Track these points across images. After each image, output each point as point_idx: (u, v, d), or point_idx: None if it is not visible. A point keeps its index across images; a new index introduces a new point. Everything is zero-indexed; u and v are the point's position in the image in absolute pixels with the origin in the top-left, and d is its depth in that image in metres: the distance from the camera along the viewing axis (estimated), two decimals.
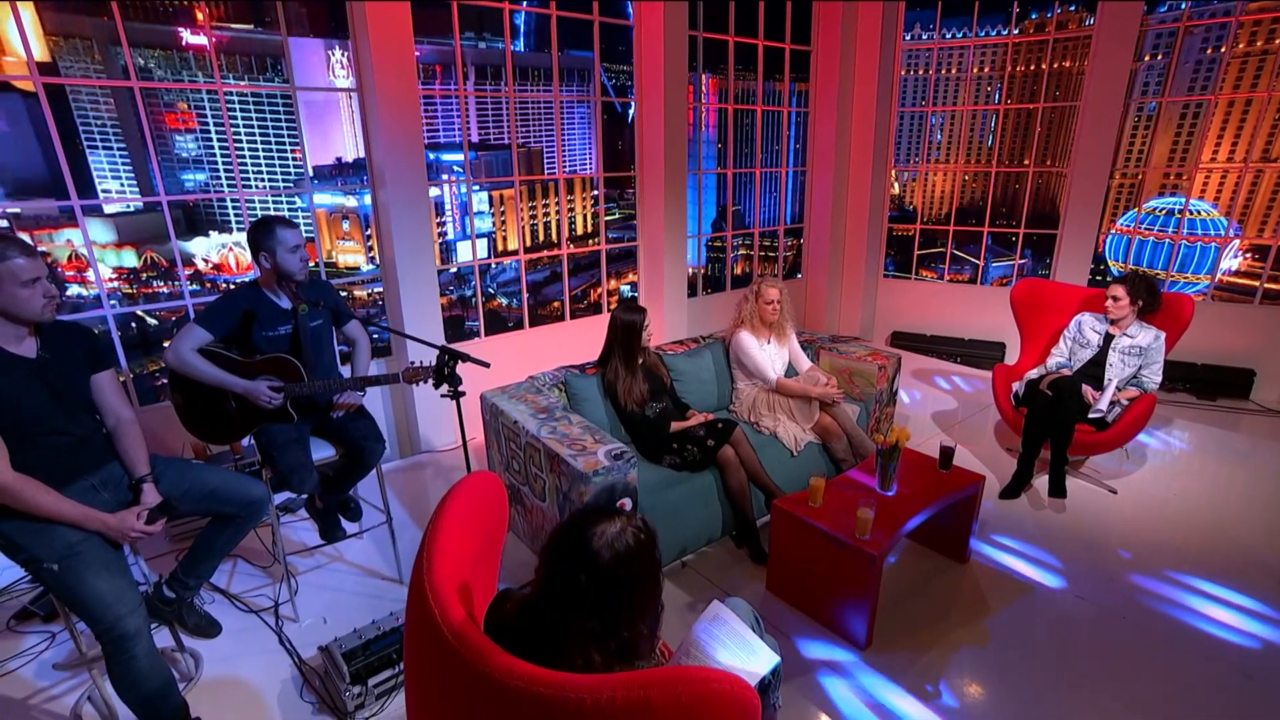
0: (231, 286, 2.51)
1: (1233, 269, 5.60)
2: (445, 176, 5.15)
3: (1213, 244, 5.20)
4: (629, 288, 5.15)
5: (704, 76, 5.20)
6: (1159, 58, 5.10)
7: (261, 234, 2.27)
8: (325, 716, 2.08)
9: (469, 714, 0.99)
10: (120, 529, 1.74)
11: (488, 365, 2.23)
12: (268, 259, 2.29)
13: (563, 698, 0.88)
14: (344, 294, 3.11)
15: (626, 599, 1.08)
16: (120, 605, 1.68)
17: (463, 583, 1.20)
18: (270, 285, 2.36)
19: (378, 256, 3.92)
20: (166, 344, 2.27)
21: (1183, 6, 4.68)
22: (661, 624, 1.22)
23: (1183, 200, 5.03)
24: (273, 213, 2.71)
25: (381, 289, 3.84)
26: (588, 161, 4.66)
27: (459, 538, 1.28)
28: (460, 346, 2.38)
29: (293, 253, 2.30)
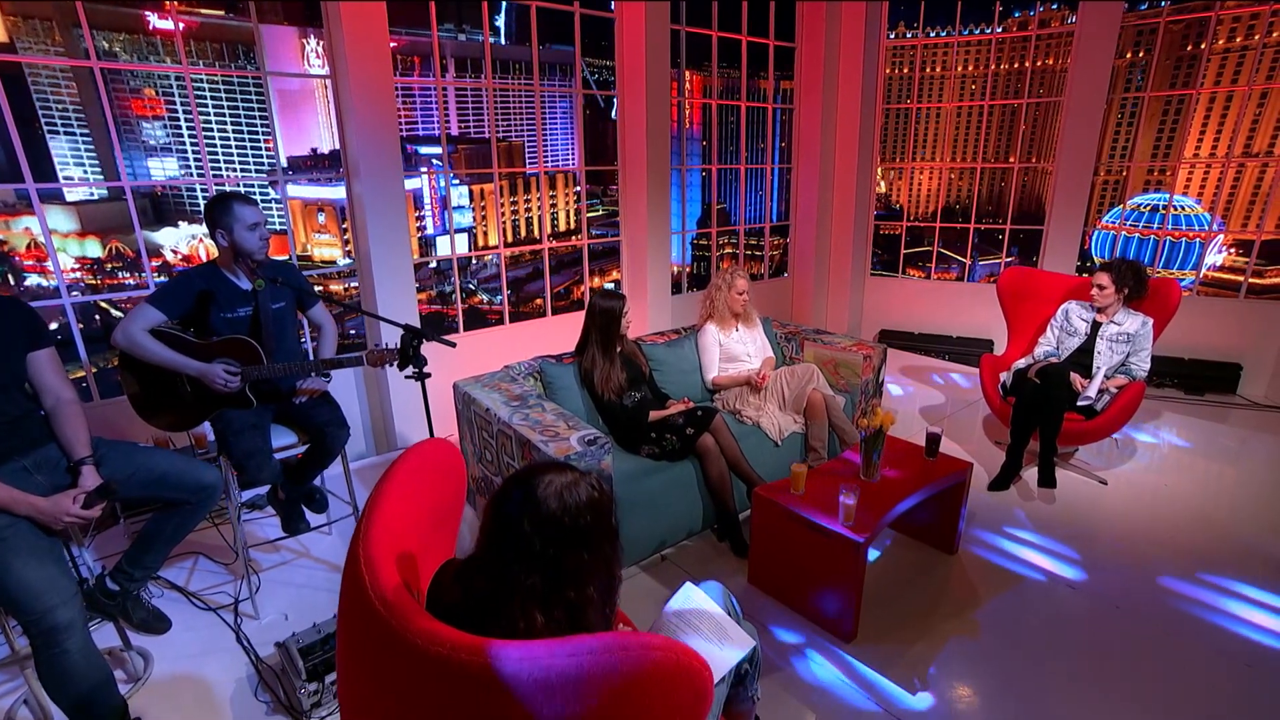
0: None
1: (1217, 264, 5.60)
2: (424, 169, 5.04)
3: (1197, 239, 5.19)
4: (613, 285, 5.08)
5: (688, 73, 5.16)
6: (1141, 54, 5.12)
7: (218, 211, 2.18)
8: (280, 717, 1.97)
9: (394, 686, 0.89)
10: (53, 513, 1.62)
11: (453, 345, 2.15)
12: (225, 236, 2.19)
13: (485, 665, 0.78)
14: (318, 288, 3.01)
15: (573, 554, 0.99)
16: (51, 595, 1.57)
17: (405, 551, 1.10)
18: (229, 265, 2.26)
19: (353, 250, 3.82)
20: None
21: (1163, 4, 4.70)
22: (618, 596, 1.12)
23: (1166, 196, 5.03)
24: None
25: (358, 284, 3.75)
26: (570, 157, 4.60)
27: (406, 505, 1.19)
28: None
29: (251, 230, 2.21)
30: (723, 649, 1.35)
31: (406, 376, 2.11)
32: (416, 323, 3.78)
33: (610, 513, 1.06)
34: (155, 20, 3.29)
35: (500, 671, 0.77)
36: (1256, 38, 4.55)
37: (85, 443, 1.77)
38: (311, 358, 2.56)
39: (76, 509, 1.65)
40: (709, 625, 1.38)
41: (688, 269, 5.48)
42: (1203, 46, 4.72)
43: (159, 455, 1.97)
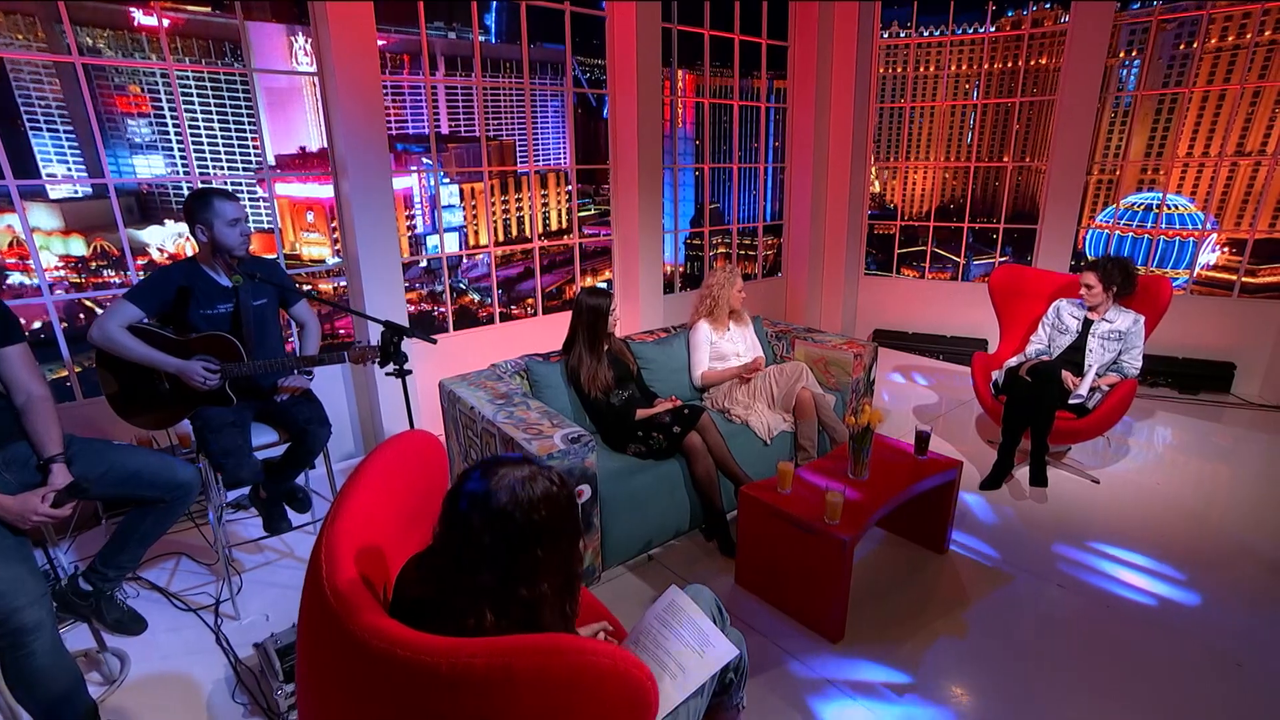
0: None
1: (1211, 263, 5.59)
2: (414, 168, 5.00)
3: (1190, 238, 5.18)
4: (605, 284, 5.05)
5: (680, 71, 5.14)
6: (1134, 54, 5.12)
7: (198, 206, 2.16)
8: (258, 718, 1.94)
9: (340, 679, 0.87)
10: (20, 512, 1.59)
11: (434, 341, 2.12)
12: (204, 232, 2.17)
13: (418, 661, 0.76)
14: (308, 286, 2.98)
15: (525, 550, 0.95)
16: (18, 596, 1.53)
17: (372, 544, 1.07)
18: (209, 261, 2.24)
19: (342, 249, 3.80)
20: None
21: (1155, 2, 4.69)
22: (578, 594, 1.09)
23: (1160, 195, 5.03)
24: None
25: (346, 283, 3.72)
26: (562, 155, 4.58)
27: (380, 497, 1.16)
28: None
29: (232, 226, 2.18)
30: (704, 656, 1.32)
31: (387, 373, 2.08)
32: (405, 322, 3.76)
33: (570, 509, 1.03)
34: (140, 16, 3.26)
35: (436, 669, 0.74)
36: (1248, 36, 4.54)
37: (56, 440, 1.73)
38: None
39: (45, 508, 1.62)
40: (691, 631, 1.34)
41: (681, 269, 5.46)
42: (1195, 45, 4.71)
43: (133, 453, 1.94)
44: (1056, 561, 2.66)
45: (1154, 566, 2.62)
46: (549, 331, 4.37)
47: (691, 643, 1.33)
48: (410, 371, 2.09)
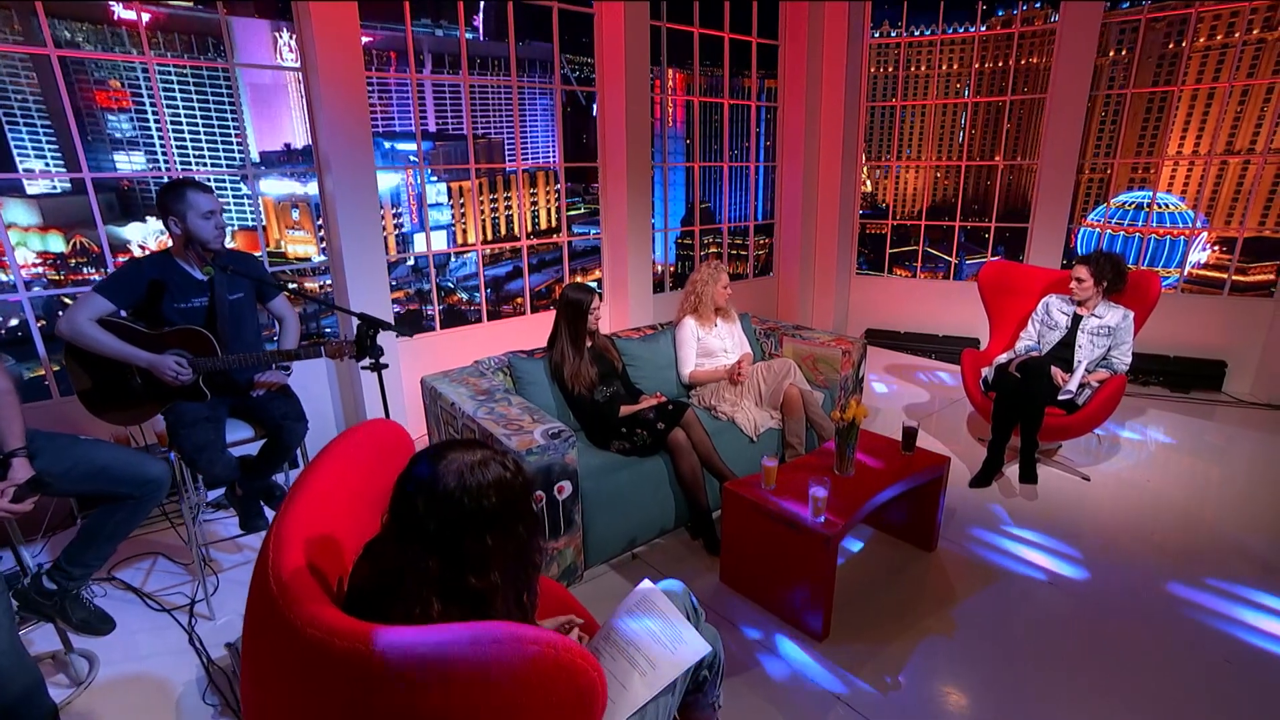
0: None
1: (1201, 261, 5.59)
2: (400, 164, 4.97)
3: (1181, 237, 5.18)
4: (595, 284, 5.03)
5: (670, 70, 5.13)
6: (1123, 52, 5.13)
7: (171, 198, 2.12)
8: (229, 719, 1.89)
9: (280, 670, 0.83)
10: None
11: (410, 335, 2.09)
12: (177, 224, 2.13)
13: (353, 650, 0.72)
14: (293, 284, 2.94)
15: (473, 537, 0.92)
16: None
17: (325, 533, 1.04)
18: (182, 254, 2.20)
19: (326, 246, 3.76)
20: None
21: (1144, 1, 4.69)
22: (535, 584, 1.05)
23: (1150, 194, 5.03)
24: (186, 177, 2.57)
25: (331, 280, 3.68)
26: (550, 154, 4.55)
27: (339, 486, 1.12)
28: (417, 339, 2.23)
29: (206, 219, 2.14)
30: (675, 652, 1.28)
31: (363, 367, 2.05)
32: (390, 319, 3.72)
33: (525, 496, 0.99)
34: (120, 10, 3.23)
35: (370, 659, 0.71)
36: (1236, 35, 4.54)
37: (18, 434, 1.69)
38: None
39: (4, 503, 1.58)
40: (663, 626, 1.30)
41: (671, 268, 5.43)
42: (1183, 44, 4.71)
43: (101, 448, 1.90)
44: (1046, 559, 2.63)
45: (1143, 564, 2.60)
46: (537, 330, 4.33)
47: (662, 638, 1.29)
48: (386, 365, 2.05)
